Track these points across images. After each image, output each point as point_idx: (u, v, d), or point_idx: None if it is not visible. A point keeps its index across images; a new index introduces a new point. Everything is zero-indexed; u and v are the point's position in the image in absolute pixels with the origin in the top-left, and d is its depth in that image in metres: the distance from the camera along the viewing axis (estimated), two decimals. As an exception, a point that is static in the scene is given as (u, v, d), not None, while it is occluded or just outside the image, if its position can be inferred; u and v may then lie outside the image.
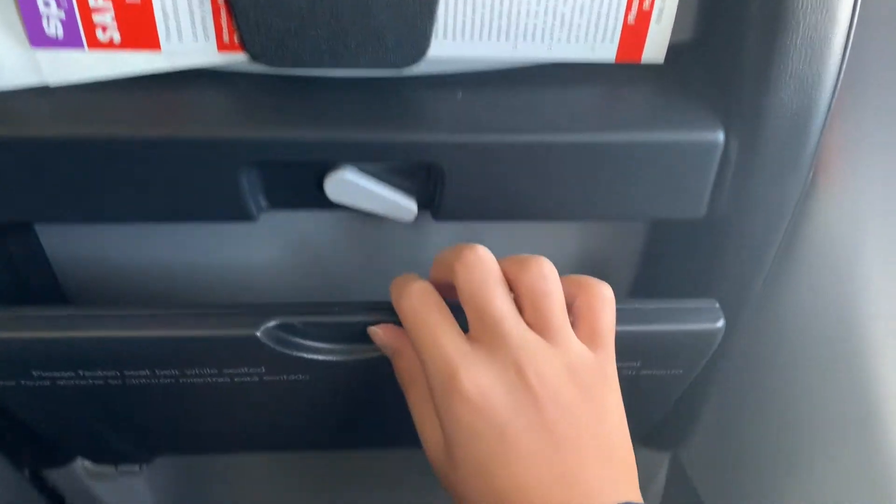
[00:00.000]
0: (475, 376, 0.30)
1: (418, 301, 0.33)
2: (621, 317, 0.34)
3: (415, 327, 0.32)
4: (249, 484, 0.65)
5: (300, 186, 0.38)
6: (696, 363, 0.41)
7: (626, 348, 0.37)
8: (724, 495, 0.67)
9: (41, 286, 0.44)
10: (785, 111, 0.36)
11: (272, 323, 0.36)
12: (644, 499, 0.61)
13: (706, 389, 0.50)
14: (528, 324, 0.32)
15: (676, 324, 0.39)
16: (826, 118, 0.38)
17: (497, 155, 0.36)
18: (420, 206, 0.39)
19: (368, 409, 0.43)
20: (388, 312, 0.36)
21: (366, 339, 0.37)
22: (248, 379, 0.38)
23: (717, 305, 0.40)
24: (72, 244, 0.44)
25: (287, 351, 0.37)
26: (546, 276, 0.32)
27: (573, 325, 0.33)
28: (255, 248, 0.46)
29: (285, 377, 0.38)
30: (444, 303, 0.33)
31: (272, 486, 0.67)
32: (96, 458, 0.50)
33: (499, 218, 0.39)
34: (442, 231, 0.45)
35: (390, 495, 0.68)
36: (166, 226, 0.43)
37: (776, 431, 0.57)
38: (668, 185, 0.38)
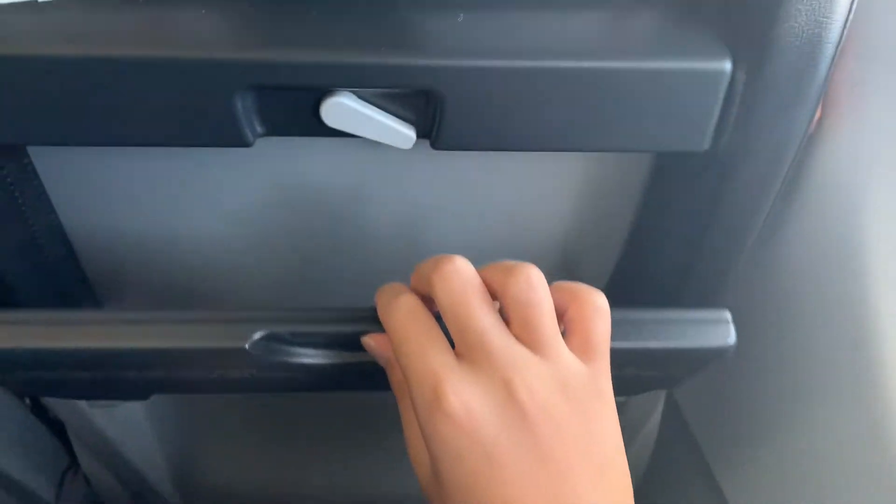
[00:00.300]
0: (460, 393, 0.28)
1: (404, 316, 0.31)
2: (618, 331, 0.33)
3: (400, 343, 0.31)
4: (250, 416, 0.66)
5: (296, 112, 0.37)
6: (699, 372, 0.40)
7: (623, 362, 0.36)
8: (718, 434, 0.68)
9: (35, 209, 0.44)
10: (795, 40, 0.35)
11: (259, 334, 0.35)
12: (639, 438, 0.62)
13: None
14: (516, 336, 0.30)
15: (683, 341, 0.37)
16: (836, 51, 0.37)
17: (498, 81, 0.35)
18: (419, 136, 0.38)
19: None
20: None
21: (359, 346, 0.36)
22: (239, 376, 0.38)
23: (729, 316, 0.38)
24: (67, 168, 0.44)
25: (277, 359, 0.37)
26: (534, 284, 0.30)
27: (565, 336, 0.31)
28: (251, 177, 0.45)
29: (277, 375, 0.38)
30: (431, 317, 0.31)
31: (271, 419, 0.68)
32: (91, 398, 0.51)
33: (499, 148, 0.38)
34: (441, 162, 0.44)
35: (391, 437, 0.69)
36: (161, 150, 0.42)
37: (773, 370, 0.57)
38: (672, 116, 0.37)
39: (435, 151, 0.38)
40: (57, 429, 0.64)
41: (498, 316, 0.30)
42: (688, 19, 0.38)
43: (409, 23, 0.36)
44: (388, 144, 0.38)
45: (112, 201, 0.46)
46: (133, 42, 0.33)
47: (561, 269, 0.53)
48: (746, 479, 0.63)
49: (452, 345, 0.31)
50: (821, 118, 0.45)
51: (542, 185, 0.45)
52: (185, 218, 0.47)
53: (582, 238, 0.51)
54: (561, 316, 0.31)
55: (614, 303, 0.32)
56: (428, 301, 0.32)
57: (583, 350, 0.31)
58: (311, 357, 0.37)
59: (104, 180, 0.45)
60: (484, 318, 0.30)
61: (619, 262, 0.52)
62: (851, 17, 0.36)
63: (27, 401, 0.65)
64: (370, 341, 0.35)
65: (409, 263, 0.35)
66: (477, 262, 0.32)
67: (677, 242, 0.46)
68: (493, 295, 0.31)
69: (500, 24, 0.36)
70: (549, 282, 0.31)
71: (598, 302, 0.31)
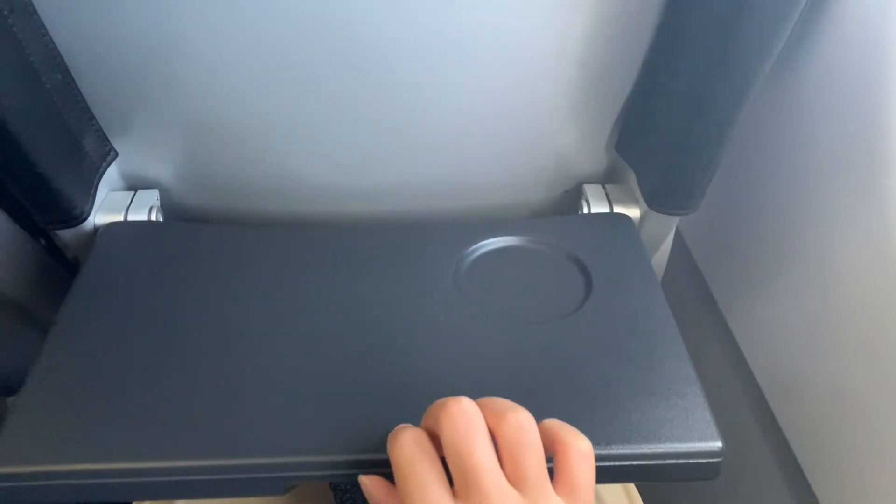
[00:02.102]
0: None
1: (410, 451, 0.33)
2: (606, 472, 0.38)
3: (403, 477, 0.32)
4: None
5: None
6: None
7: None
8: (721, 268, 0.69)
9: (28, 33, 0.42)
10: None
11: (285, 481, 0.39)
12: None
13: (716, 155, 0.49)
14: (508, 476, 0.32)
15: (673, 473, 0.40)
16: None
17: None
18: None
19: None
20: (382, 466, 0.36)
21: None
22: None
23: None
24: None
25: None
26: (524, 427, 0.32)
27: (552, 477, 0.33)
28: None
29: None
30: (436, 455, 0.33)
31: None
32: None
33: None
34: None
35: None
36: None
37: (782, 199, 0.57)
38: None
39: None
40: (67, 263, 0.65)
41: (495, 458, 0.32)
42: None
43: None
44: None
45: (107, 17, 0.44)
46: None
47: (574, 92, 0.51)
48: (752, 314, 0.64)
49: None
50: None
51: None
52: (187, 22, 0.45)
53: (597, 59, 0.49)
54: (549, 455, 0.34)
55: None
56: (436, 440, 0.34)
57: (567, 492, 0.32)
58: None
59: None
60: (483, 458, 0.32)
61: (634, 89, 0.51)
62: None
63: (41, 241, 0.65)
64: (366, 481, 0.36)
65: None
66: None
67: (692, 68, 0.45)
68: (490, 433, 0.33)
69: None
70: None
71: (581, 447, 0.33)
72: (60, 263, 0.68)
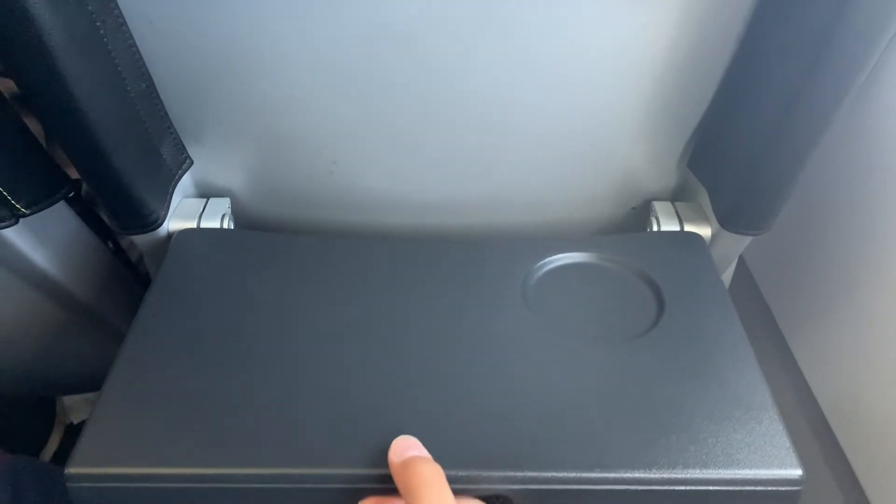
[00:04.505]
0: None
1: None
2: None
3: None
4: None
5: None
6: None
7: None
8: (783, 290, 0.67)
9: (116, 39, 0.43)
10: None
11: None
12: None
13: (795, 175, 0.48)
14: None
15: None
16: None
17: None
18: None
19: None
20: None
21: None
22: None
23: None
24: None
25: None
26: None
27: None
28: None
29: None
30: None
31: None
32: None
33: None
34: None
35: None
36: None
37: (850, 222, 0.56)
38: None
39: None
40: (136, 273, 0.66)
41: None
42: None
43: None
44: None
45: (191, 28, 0.45)
46: None
47: (652, 108, 0.51)
48: (814, 338, 0.63)
49: None
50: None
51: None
52: (268, 51, 0.46)
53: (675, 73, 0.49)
54: None
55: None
56: None
57: None
58: None
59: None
60: None
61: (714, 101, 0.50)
62: None
63: (109, 244, 0.67)
64: None
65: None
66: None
67: (778, 84, 0.44)
68: None
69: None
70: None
71: None
72: (125, 266, 0.69)
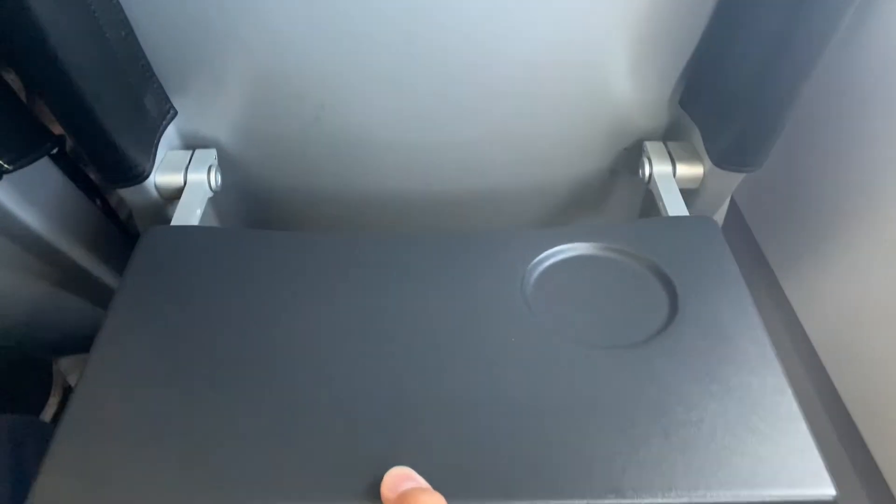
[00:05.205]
0: None
1: None
2: None
3: None
4: (312, 207, 0.66)
5: None
6: None
7: None
8: (776, 233, 0.67)
9: None
10: None
11: None
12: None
13: (788, 109, 0.48)
14: None
15: None
16: None
17: None
18: None
19: None
20: None
21: None
22: None
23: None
24: None
25: None
26: None
27: None
28: None
29: None
30: None
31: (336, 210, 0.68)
32: None
33: None
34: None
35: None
36: None
37: (844, 162, 0.56)
38: None
39: None
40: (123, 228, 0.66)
41: None
42: None
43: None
44: None
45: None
46: None
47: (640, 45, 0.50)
48: (808, 280, 0.63)
49: None
50: None
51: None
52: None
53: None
54: None
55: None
56: None
57: None
58: None
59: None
60: None
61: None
62: None
63: (97, 202, 0.66)
64: None
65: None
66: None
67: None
68: None
69: None
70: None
71: None
72: (115, 225, 0.68)
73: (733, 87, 0.48)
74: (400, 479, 0.33)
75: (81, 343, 0.82)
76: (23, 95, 0.52)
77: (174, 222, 0.51)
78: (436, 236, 0.48)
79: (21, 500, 0.59)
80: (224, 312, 0.43)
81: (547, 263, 0.47)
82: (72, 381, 0.96)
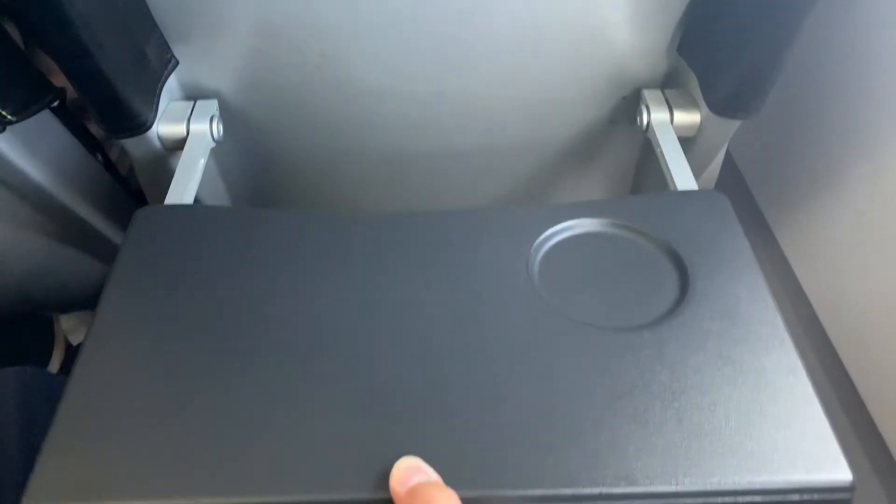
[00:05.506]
0: None
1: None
2: None
3: None
4: (313, 161, 0.67)
5: None
6: None
7: None
8: (769, 182, 0.68)
9: None
10: None
11: None
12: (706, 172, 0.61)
13: (784, 55, 0.48)
14: None
15: None
16: None
17: None
18: None
19: None
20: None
21: None
22: None
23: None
24: None
25: None
26: None
27: None
28: None
29: None
30: None
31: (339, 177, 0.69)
32: None
33: None
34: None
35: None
36: None
37: (835, 111, 0.56)
38: None
39: None
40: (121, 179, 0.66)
41: None
42: None
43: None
44: None
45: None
46: None
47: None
48: (801, 228, 0.64)
49: None
50: None
51: None
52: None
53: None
54: None
55: None
56: None
57: None
58: None
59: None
60: None
61: None
62: None
63: (98, 157, 0.66)
64: None
65: None
66: None
67: None
68: None
69: None
70: None
71: None
72: (116, 180, 0.69)
73: (731, 33, 0.49)
74: (410, 471, 0.32)
75: (83, 299, 0.82)
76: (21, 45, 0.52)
77: (178, 172, 0.51)
78: (439, 215, 0.47)
79: (30, 452, 0.60)
80: (223, 293, 0.42)
81: (553, 241, 0.45)
82: (73, 340, 0.97)
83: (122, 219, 0.69)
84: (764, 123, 0.68)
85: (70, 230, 0.67)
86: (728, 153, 0.74)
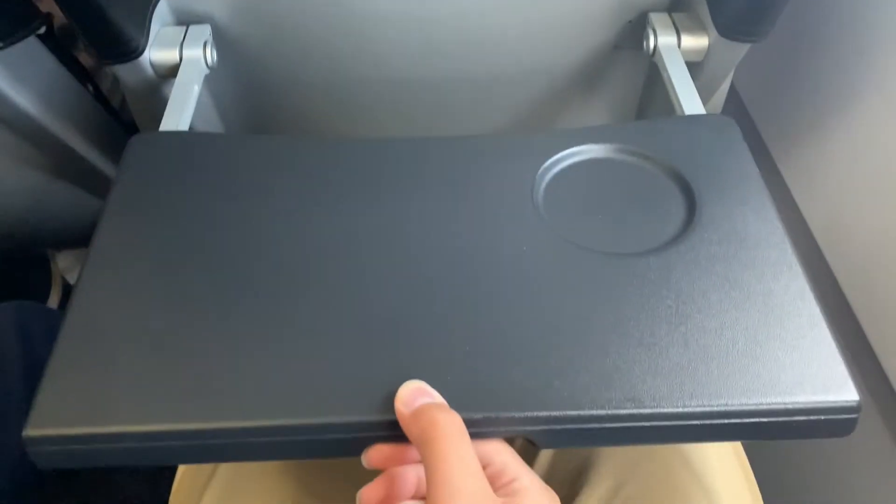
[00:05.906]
0: None
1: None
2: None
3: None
4: (309, 89, 0.65)
5: None
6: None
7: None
8: (773, 114, 0.67)
9: None
10: None
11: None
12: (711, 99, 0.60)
13: None
14: None
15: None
16: None
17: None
18: None
19: None
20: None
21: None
22: None
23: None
24: None
25: None
26: None
27: None
28: None
29: None
30: None
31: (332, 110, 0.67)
32: None
33: None
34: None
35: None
36: None
37: (840, 40, 0.55)
38: None
39: None
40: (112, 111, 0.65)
41: None
42: None
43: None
44: None
45: None
46: None
47: None
48: (805, 161, 0.63)
49: None
50: None
51: None
52: None
53: None
54: None
55: None
56: None
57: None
58: None
59: None
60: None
61: None
62: None
63: (89, 87, 0.65)
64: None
65: None
66: None
67: None
68: None
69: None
70: None
71: None
72: (107, 111, 0.67)
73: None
74: (415, 393, 0.32)
75: (79, 236, 0.82)
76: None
77: (171, 100, 0.50)
78: (442, 141, 0.45)
79: (31, 381, 0.61)
80: (221, 220, 0.41)
81: (559, 167, 0.44)
82: (70, 279, 0.96)
83: (114, 152, 0.67)
84: (768, 53, 0.67)
85: (62, 163, 0.66)
86: (731, 84, 0.72)
